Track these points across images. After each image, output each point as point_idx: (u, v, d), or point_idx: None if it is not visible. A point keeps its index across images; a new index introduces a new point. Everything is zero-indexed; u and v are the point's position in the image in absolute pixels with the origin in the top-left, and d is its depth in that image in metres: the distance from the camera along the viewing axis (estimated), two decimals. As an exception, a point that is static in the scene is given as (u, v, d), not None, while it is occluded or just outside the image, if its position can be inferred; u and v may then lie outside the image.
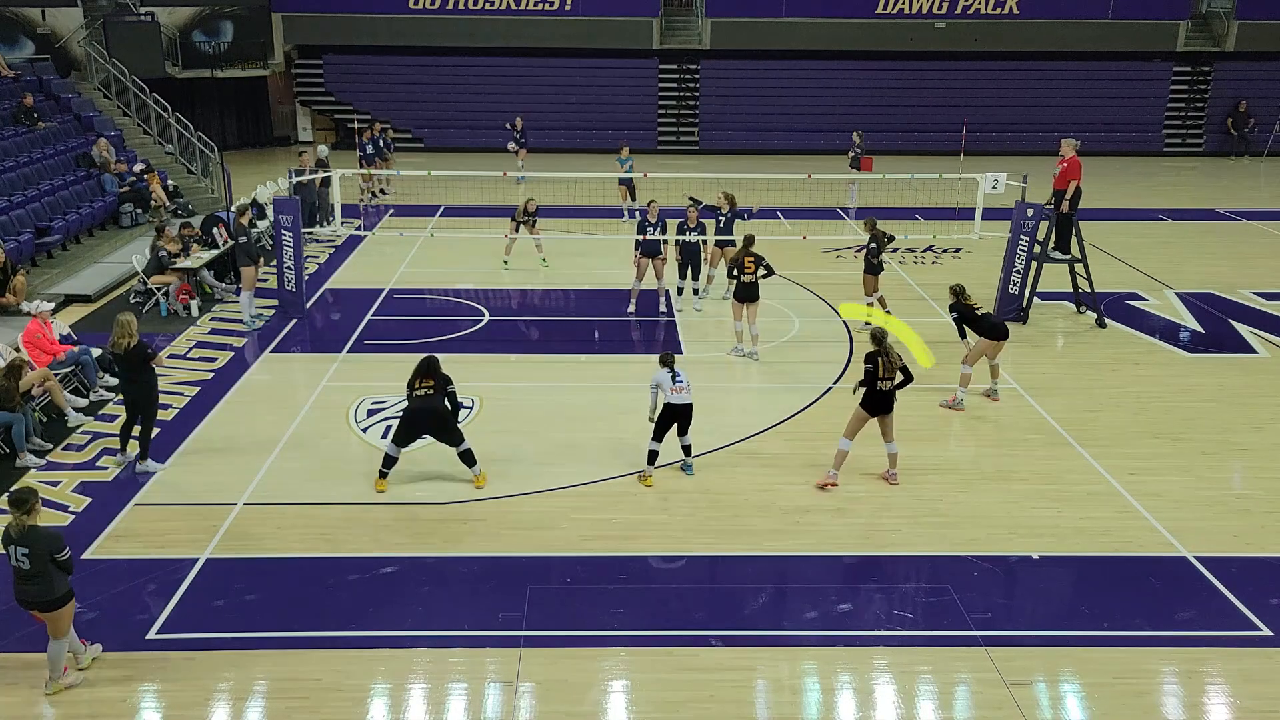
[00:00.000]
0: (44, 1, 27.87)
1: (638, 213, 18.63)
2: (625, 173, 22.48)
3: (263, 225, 19.72)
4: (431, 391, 10.78)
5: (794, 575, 9.40)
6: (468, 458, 10.93)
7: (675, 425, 11.01)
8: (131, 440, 11.19)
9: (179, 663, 8.03)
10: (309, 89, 33.44)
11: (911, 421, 12.60)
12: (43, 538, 7.46)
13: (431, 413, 10.78)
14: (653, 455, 11.06)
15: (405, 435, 10.85)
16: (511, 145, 27.03)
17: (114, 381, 13.05)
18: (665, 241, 16.66)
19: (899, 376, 10.65)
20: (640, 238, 16.42)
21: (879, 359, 10.58)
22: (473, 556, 9.58)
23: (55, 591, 7.49)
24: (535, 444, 11.92)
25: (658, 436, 10.98)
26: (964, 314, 13.01)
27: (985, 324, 13.01)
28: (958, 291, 13.07)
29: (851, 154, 24.74)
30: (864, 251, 16.11)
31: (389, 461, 10.88)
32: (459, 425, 11.08)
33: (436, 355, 11.12)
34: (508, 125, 27.10)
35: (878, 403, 10.69)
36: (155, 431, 11.86)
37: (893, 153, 30.20)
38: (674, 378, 10.98)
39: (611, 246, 20.24)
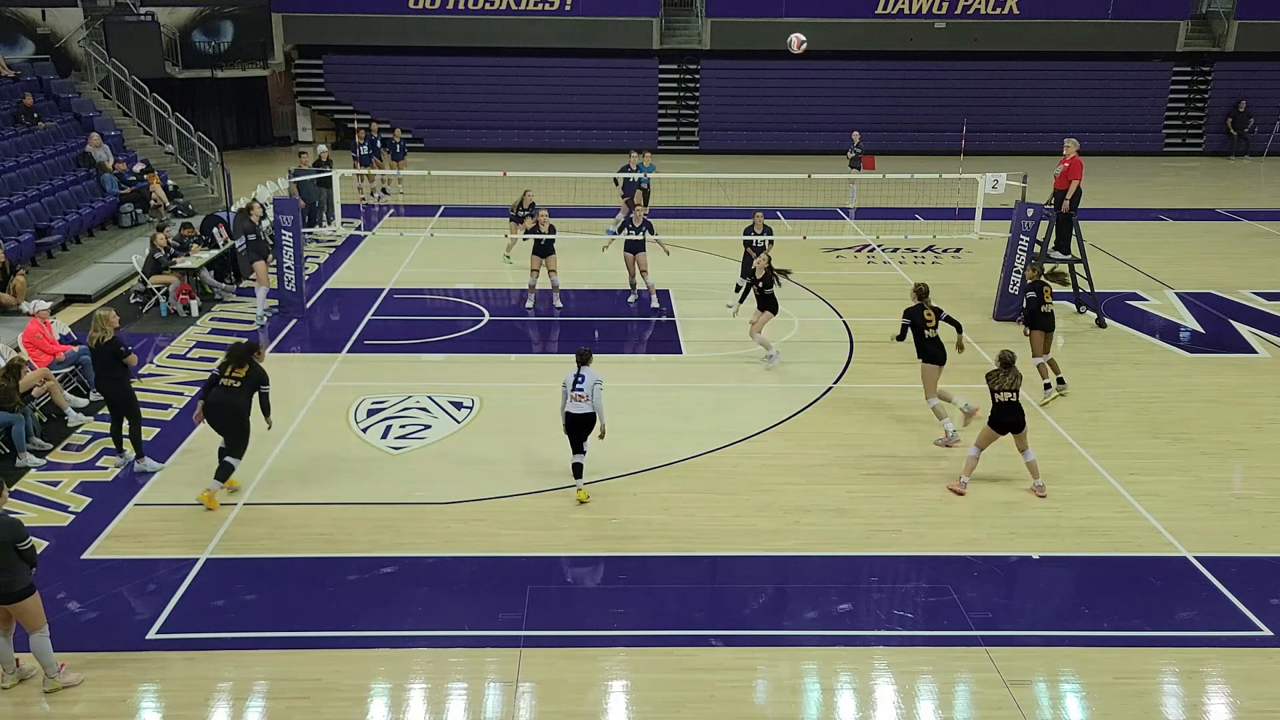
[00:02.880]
0: (44, 1, 27.85)
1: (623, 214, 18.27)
2: (641, 177, 22.16)
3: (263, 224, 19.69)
4: (238, 385, 10.19)
5: (794, 575, 9.40)
6: (224, 471, 10.27)
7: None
8: (126, 440, 11.15)
9: (179, 663, 8.03)
10: (309, 89, 33.42)
11: (913, 422, 12.62)
12: (4, 525, 7.37)
13: (227, 408, 10.18)
14: (577, 469, 10.55)
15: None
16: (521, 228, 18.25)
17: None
18: (654, 241, 16.78)
19: (1016, 392, 10.57)
20: (613, 237, 16.83)
21: (1000, 375, 10.55)
22: (473, 556, 9.59)
23: (18, 584, 7.36)
24: (535, 444, 11.91)
25: (574, 448, 10.55)
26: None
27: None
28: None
29: (851, 154, 24.73)
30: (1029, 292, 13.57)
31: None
32: (247, 438, 10.40)
33: (258, 342, 10.75)
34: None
35: (1005, 419, 10.58)
36: (155, 431, 11.88)
37: (893, 153, 30.16)
38: (576, 381, 10.32)
39: (611, 247, 20.18)
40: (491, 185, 21.61)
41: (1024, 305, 13.61)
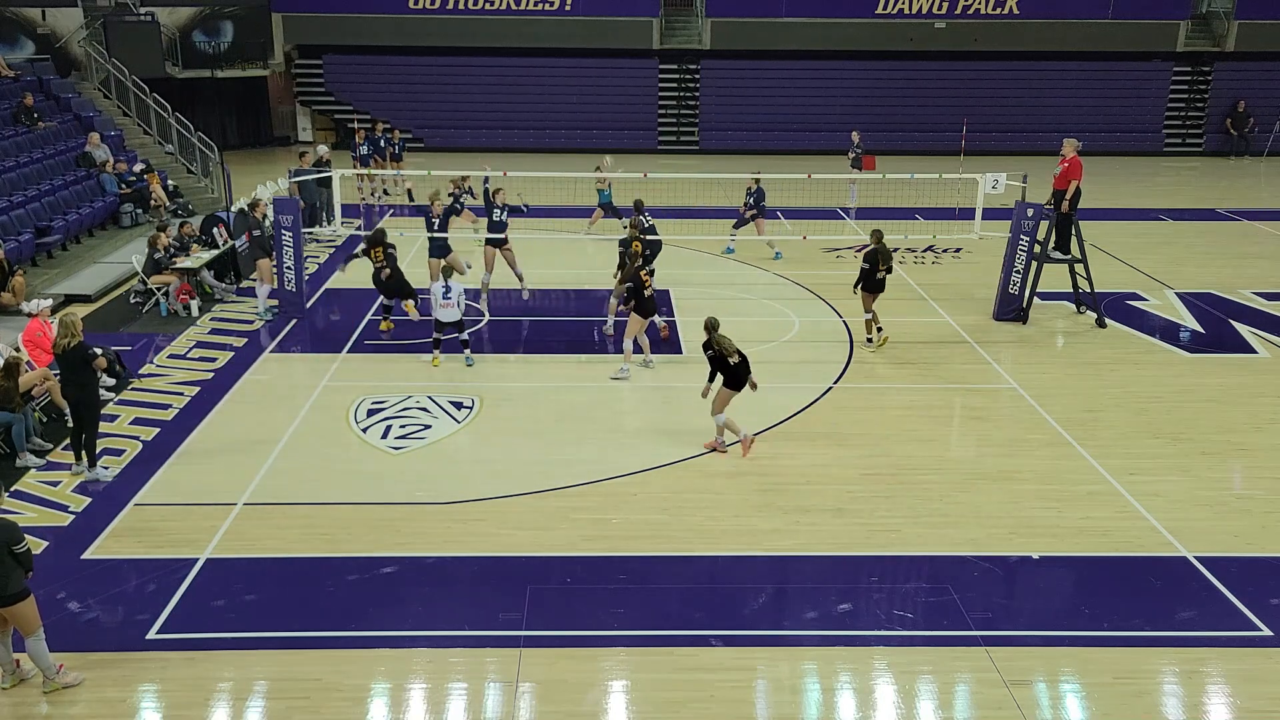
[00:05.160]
0: (44, 1, 27.85)
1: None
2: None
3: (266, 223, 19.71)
4: (384, 263, 14.88)
5: (794, 575, 9.40)
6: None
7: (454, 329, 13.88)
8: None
9: (179, 663, 8.03)
10: (309, 89, 33.42)
11: (913, 422, 12.63)
12: (1, 528, 7.35)
13: (391, 280, 14.96)
14: (436, 341, 14.14)
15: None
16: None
17: (113, 381, 13.05)
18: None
19: (736, 356, 11.36)
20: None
21: (714, 345, 11.35)
22: (473, 556, 9.59)
23: (11, 587, 7.34)
24: (535, 444, 11.92)
25: (438, 330, 14.00)
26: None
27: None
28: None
29: (852, 154, 24.72)
30: (864, 263, 14.81)
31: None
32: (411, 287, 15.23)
33: (383, 228, 15.27)
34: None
35: (738, 378, 11.38)
36: (155, 431, 11.87)
37: (893, 153, 30.16)
38: (445, 292, 13.54)
39: (611, 247, 20.20)
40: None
41: (861, 268, 14.89)
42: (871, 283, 14.85)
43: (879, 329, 15.11)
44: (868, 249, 15.00)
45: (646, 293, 13.78)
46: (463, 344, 14.20)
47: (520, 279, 16.98)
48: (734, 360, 11.32)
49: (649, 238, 16.44)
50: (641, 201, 17.07)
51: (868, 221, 22.88)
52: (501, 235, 16.57)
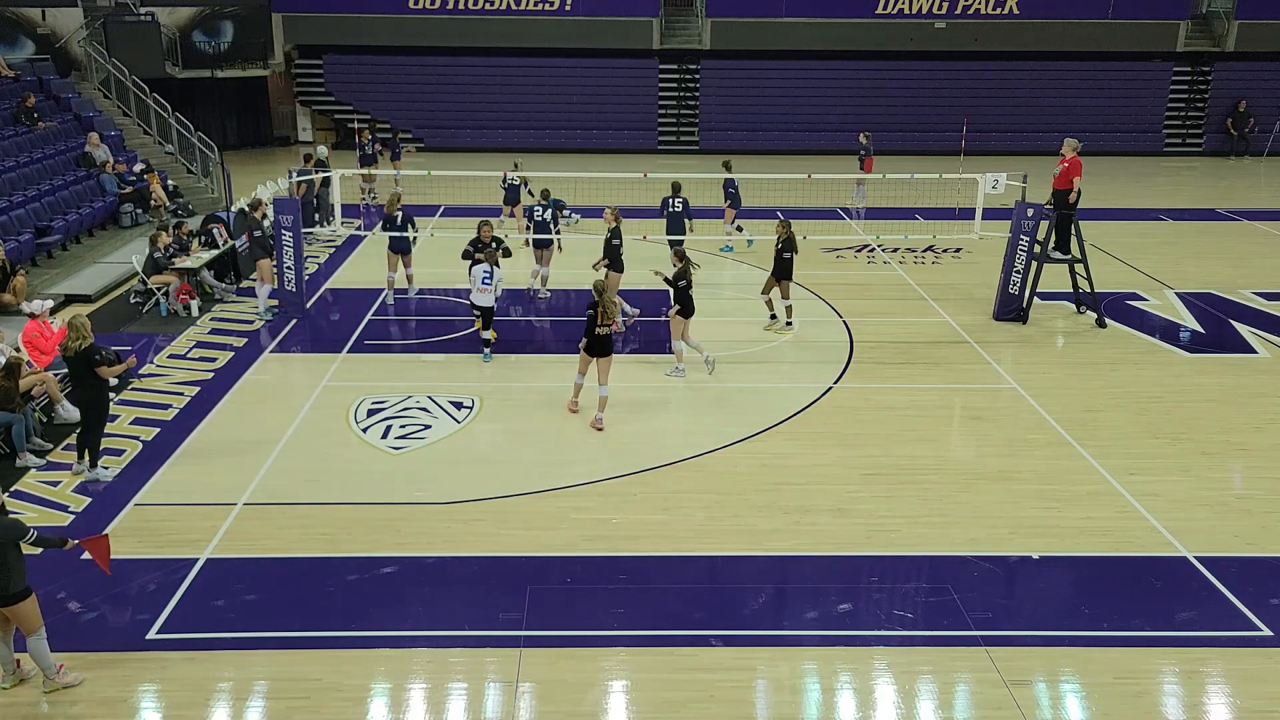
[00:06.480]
0: (44, 1, 27.85)
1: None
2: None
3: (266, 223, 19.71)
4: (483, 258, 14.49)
5: (794, 575, 9.40)
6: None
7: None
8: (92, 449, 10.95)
9: (179, 663, 8.03)
10: (309, 89, 33.43)
11: (913, 422, 12.63)
12: (4, 527, 7.35)
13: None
14: (486, 341, 14.38)
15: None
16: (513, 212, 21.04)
17: (114, 382, 13.05)
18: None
19: (615, 325, 12.16)
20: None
21: (597, 308, 11.85)
22: (473, 556, 9.59)
23: (14, 586, 7.36)
24: (535, 444, 11.92)
25: (485, 326, 14.27)
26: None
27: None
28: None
29: (859, 154, 24.74)
30: (785, 252, 15.48)
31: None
32: None
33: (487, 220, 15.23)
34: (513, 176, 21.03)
35: (596, 346, 12.05)
36: (155, 431, 11.86)
37: (893, 153, 30.14)
38: (485, 278, 13.61)
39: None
40: (492, 185, 21.64)
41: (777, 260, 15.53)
42: (787, 269, 15.50)
43: (774, 316, 15.90)
44: (784, 238, 15.50)
45: (692, 291, 13.85)
46: (485, 343, 14.40)
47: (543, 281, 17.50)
48: (601, 331, 11.94)
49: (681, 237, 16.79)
50: (679, 184, 17.75)
51: (867, 221, 22.97)
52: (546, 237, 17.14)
